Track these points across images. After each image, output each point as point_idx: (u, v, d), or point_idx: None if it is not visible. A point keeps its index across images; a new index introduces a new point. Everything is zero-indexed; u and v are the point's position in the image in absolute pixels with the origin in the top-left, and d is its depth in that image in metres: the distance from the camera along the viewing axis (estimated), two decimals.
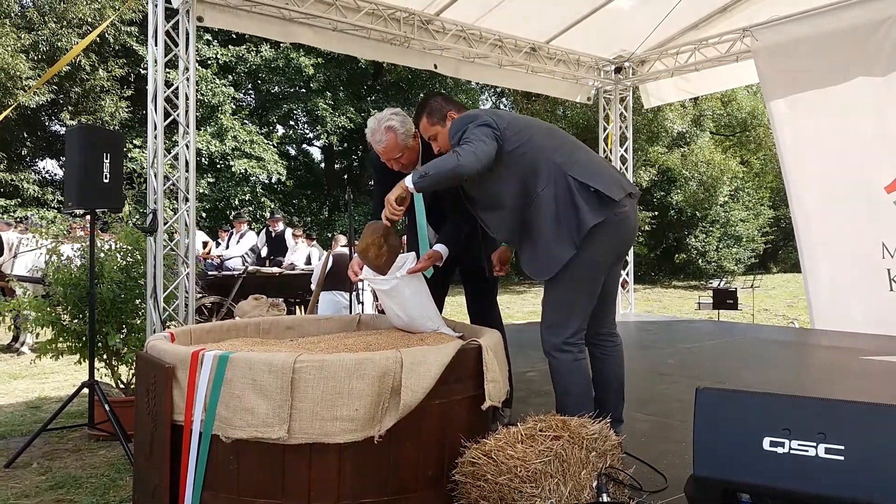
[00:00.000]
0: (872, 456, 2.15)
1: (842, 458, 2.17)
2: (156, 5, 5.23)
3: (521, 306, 14.79)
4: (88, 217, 4.43)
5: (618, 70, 8.74)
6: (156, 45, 5.22)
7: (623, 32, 8.00)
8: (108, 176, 4.22)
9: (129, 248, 4.93)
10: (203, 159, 17.33)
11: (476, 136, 2.77)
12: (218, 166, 17.97)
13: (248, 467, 2.39)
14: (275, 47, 19.29)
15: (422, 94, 21.37)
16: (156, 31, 5.23)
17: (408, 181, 2.76)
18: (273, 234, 10.97)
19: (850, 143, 6.54)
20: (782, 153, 7.18)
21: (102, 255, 4.79)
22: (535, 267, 2.94)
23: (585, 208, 2.81)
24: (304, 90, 20.02)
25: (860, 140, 6.47)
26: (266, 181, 19.50)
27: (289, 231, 11.07)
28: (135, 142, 15.67)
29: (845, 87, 6.50)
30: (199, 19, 5.55)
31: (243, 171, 17.71)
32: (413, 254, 3.26)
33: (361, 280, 3.27)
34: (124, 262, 4.87)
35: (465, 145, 2.75)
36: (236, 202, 18.05)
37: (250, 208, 18.39)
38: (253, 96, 21.35)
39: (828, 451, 2.20)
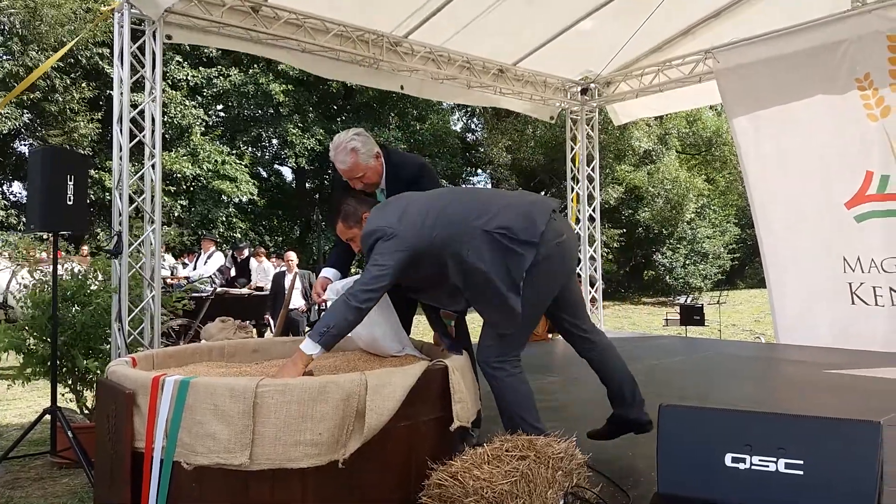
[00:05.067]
0: (830, 470, 2.19)
1: (801, 472, 2.21)
2: (121, 26, 5.20)
3: None
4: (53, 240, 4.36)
5: (584, 91, 8.86)
6: (122, 66, 5.18)
7: (588, 54, 8.13)
8: (71, 198, 4.16)
9: (97, 271, 4.86)
10: (182, 183, 17.23)
11: (375, 262, 2.80)
12: (191, 188, 17.83)
13: (211, 494, 2.36)
14: (244, 72, 19.22)
15: (392, 115, 21.42)
16: (122, 52, 5.20)
17: (307, 347, 2.67)
18: (239, 260, 10.93)
19: (811, 160, 6.71)
20: (746, 170, 7.34)
21: (78, 277, 4.70)
22: (499, 322, 2.98)
23: (516, 252, 2.85)
24: (272, 114, 19.97)
25: (820, 157, 6.64)
26: (238, 201, 19.36)
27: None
28: (106, 164, 15.49)
29: (805, 105, 6.68)
30: (168, 37, 5.53)
31: (217, 192, 17.59)
32: None
33: (325, 301, 3.26)
34: (95, 286, 4.79)
35: (363, 277, 2.80)
36: (212, 225, 17.91)
37: (221, 229, 18.23)
38: (223, 118, 21.22)
39: (787, 465, 2.24)
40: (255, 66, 19.08)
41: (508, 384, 3.00)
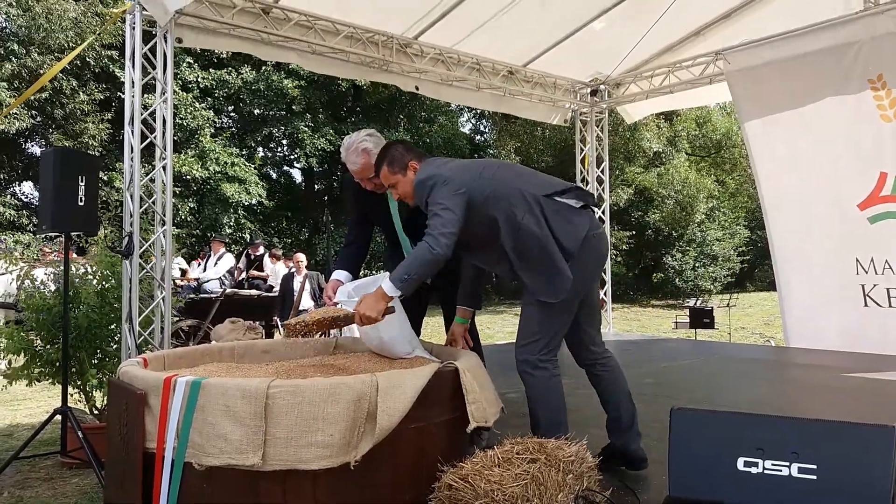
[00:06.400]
0: (844, 475, 2.17)
1: (814, 477, 2.19)
2: (133, 28, 5.23)
3: (502, 326, 14.77)
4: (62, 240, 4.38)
5: (594, 93, 8.84)
6: (133, 68, 5.20)
7: (598, 56, 8.12)
8: (83, 199, 4.18)
9: (105, 272, 4.87)
10: (191, 185, 17.27)
11: (442, 206, 2.78)
12: (200, 191, 17.89)
13: (222, 495, 2.36)
14: (256, 69, 19.25)
15: (401, 116, 21.39)
16: (133, 54, 5.22)
17: (388, 288, 2.73)
18: (252, 258, 10.95)
19: (824, 161, 6.66)
20: (758, 173, 7.29)
21: (77, 279, 4.73)
22: (547, 290, 2.89)
23: (572, 219, 2.88)
24: (284, 112, 19.98)
25: (833, 158, 6.59)
26: (247, 203, 19.41)
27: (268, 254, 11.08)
28: (117, 165, 15.59)
29: (817, 107, 6.63)
30: (179, 40, 5.56)
31: (227, 195, 17.63)
32: (387, 273, 3.24)
33: (336, 303, 3.25)
34: (100, 287, 4.81)
35: (434, 222, 2.77)
36: (223, 228, 17.95)
37: (230, 230, 18.28)
38: (234, 119, 21.25)
39: (801, 470, 2.22)
40: (267, 63, 19.11)
41: (552, 388, 2.93)
